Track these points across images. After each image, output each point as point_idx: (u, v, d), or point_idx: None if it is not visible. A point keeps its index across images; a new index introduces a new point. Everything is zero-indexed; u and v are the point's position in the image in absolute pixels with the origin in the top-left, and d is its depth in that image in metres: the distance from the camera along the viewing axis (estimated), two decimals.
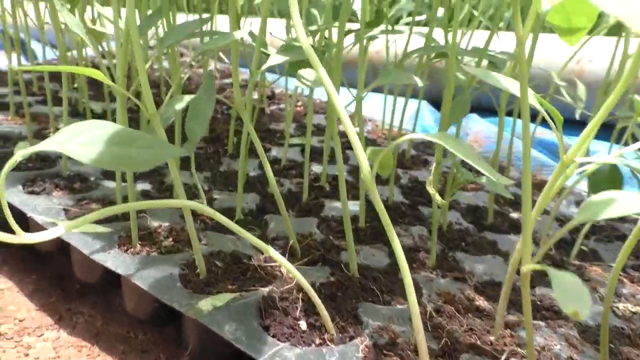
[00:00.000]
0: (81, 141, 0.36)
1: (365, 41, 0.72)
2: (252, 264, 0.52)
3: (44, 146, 0.35)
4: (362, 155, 0.38)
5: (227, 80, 1.41)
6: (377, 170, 0.40)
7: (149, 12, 0.77)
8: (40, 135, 0.88)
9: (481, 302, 0.53)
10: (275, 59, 0.54)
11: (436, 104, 1.44)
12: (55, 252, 0.65)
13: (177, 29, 0.53)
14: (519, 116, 1.02)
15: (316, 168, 0.88)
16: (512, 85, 0.35)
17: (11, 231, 0.36)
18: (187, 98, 0.50)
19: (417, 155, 1.00)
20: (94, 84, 1.25)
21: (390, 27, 0.83)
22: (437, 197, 0.55)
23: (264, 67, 0.54)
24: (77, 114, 1.04)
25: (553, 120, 0.41)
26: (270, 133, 1.03)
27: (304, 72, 0.44)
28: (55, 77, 1.31)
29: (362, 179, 0.67)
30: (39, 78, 1.26)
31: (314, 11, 0.74)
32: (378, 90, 1.50)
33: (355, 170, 0.88)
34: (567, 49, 1.38)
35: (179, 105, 0.50)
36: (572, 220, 0.31)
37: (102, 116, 1.03)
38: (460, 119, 0.58)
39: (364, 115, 1.24)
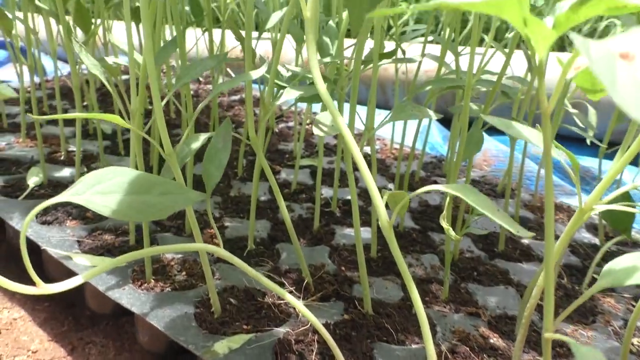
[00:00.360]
0: (99, 190, 0.37)
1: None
2: (266, 302, 0.52)
3: (63, 198, 0.35)
4: (380, 204, 0.38)
5: (234, 97, 1.42)
6: (395, 215, 0.40)
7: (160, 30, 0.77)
8: (52, 159, 0.88)
9: (495, 339, 0.53)
10: (290, 94, 0.54)
11: (443, 119, 1.44)
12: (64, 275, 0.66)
13: (193, 66, 0.53)
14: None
15: (325, 191, 0.88)
16: (534, 137, 0.35)
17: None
18: (203, 137, 0.50)
19: (427, 177, 1.00)
20: (104, 101, 1.26)
21: (400, 47, 0.83)
22: (451, 232, 0.55)
23: (279, 102, 0.54)
24: (87, 134, 1.04)
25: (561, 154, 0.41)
26: (279, 154, 1.04)
27: (321, 117, 0.44)
28: (65, 94, 1.31)
29: (374, 206, 0.67)
30: (49, 96, 1.27)
31: (326, 39, 0.74)
32: (386, 107, 1.51)
33: (364, 193, 0.88)
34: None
35: (195, 145, 0.50)
36: (591, 288, 0.31)
37: (112, 137, 1.04)
38: (474, 154, 0.58)
39: None
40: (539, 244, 0.79)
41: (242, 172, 0.91)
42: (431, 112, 0.57)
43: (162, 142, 0.47)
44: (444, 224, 0.55)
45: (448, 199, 0.61)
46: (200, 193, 0.43)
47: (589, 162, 1.15)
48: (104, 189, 0.37)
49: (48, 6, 0.85)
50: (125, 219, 0.35)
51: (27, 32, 0.76)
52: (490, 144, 1.20)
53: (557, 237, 0.83)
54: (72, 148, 0.95)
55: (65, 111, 1.18)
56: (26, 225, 0.34)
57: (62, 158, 0.89)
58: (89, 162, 0.89)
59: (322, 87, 0.39)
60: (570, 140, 1.30)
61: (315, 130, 0.42)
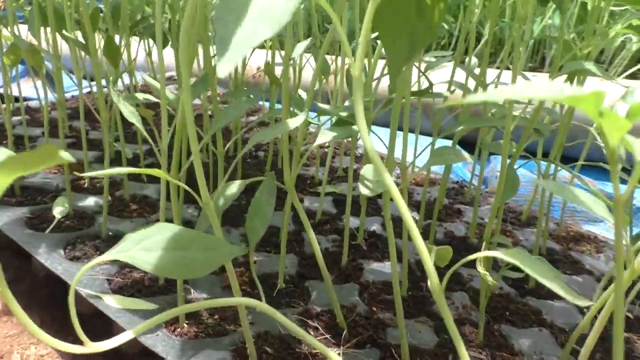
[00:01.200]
0: (144, 247, 0.37)
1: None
2: (303, 352, 0.51)
3: (110, 256, 0.35)
4: (431, 267, 0.37)
5: (252, 117, 1.42)
6: (446, 281, 0.39)
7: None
8: (76, 187, 0.88)
9: None
10: (326, 136, 0.53)
11: (463, 141, 1.43)
12: (96, 317, 0.65)
13: (231, 109, 0.53)
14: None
15: (350, 221, 0.87)
16: (598, 207, 0.34)
17: None
18: (238, 184, 0.50)
19: (450, 204, 0.99)
20: (125, 121, 1.26)
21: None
22: (488, 278, 0.54)
23: (314, 145, 0.54)
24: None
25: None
26: (300, 180, 1.03)
27: (365, 172, 0.43)
28: (85, 114, 1.32)
29: (416, 245, 0.66)
30: (69, 117, 1.28)
31: None
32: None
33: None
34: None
35: (231, 191, 0.49)
36: None
37: (134, 161, 1.04)
38: (511, 196, 0.57)
39: None
40: (568, 278, 0.77)
41: None
42: (467, 155, 0.56)
43: (200, 190, 0.46)
44: (481, 269, 0.54)
45: (484, 243, 0.60)
46: (242, 248, 0.42)
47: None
48: (149, 246, 0.37)
49: (74, 35, 0.85)
50: (169, 276, 0.35)
51: (57, 69, 0.76)
52: None
53: (587, 272, 0.82)
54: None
55: (86, 133, 1.18)
56: (75, 283, 0.33)
57: (85, 185, 0.89)
58: (114, 189, 0.89)
59: (371, 147, 0.38)
60: (592, 168, 1.28)
61: (362, 189, 0.42)
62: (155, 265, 0.35)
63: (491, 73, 1.01)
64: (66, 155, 0.29)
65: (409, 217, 0.37)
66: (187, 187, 0.46)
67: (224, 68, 0.25)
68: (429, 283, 0.38)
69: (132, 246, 0.37)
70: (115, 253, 0.36)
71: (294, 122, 0.47)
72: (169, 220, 0.78)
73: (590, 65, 0.55)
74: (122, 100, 0.47)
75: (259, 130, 1.32)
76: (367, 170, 0.43)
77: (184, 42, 0.39)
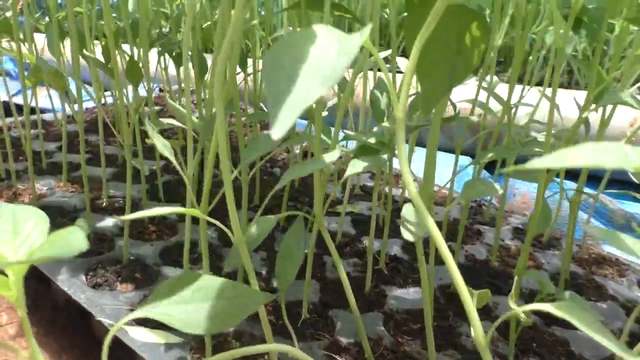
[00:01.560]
0: (174, 301, 0.36)
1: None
2: None
3: (141, 314, 0.34)
4: (476, 318, 0.36)
5: (266, 131, 1.41)
6: (492, 332, 0.38)
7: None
8: (94, 207, 0.88)
9: None
10: (356, 166, 0.53)
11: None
12: (118, 347, 0.64)
13: (261, 143, 0.52)
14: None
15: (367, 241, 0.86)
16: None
17: None
18: (271, 220, 0.49)
19: (470, 224, 0.97)
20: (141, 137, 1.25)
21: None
22: (522, 316, 0.53)
23: (345, 176, 0.53)
24: (123, 175, 1.03)
25: None
26: None
27: (406, 213, 0.42)
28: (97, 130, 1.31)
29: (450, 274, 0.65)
30: (84, 131, 1.27)
31: (377, 93, 0.73)
32: (420, 143, 1.49)
33: (409, 246, 0.86)
34: (619, 112, 1.36)
35: (266, 227, 0.48)
36: None
37: (152, 178, 1.03)
38: (545, 229, 0.56)
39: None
40: (592, 305, 0.76)
41: (284, 221, 0.90)
42: (498, 187, 0.55)
43: (232, 227, 0.45)
44: (513, 305, 0.53)
45: (516, 277, 0.59)
46: (270, 295, 0.41)
47: (633, 208, 1.12)
48: (177, 300, 0.36)
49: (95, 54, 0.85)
50: (201, 332, 0.33)
51: (78, 89, 0.76)
52: (530, 186, 1.17)
53: (610, 297, 0.80)
54: (111, 192, 0.94)
55: (98, 147, 1.17)
56: (110, 337, 0.32)
57: (104, 205, 0.88)
58: (132, 209, 0.88)
59: (413, 187, 0.37)
60: (612, 182, 1.27)
61: (405, 234, 0.41)
62: (187, 322, 0.34)
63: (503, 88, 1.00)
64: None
65: (451, 258, 0.36)
66: (220, 224, 0.45)
67: (278, 131, 0.24)
68: (472, 334, 0.37)
69: (161, 302, 0.36)
70: (146, 311, 0.35)
71: (329, 158, 0.47)
72: (193, 243, 0.77)
73: (627, 97, 0.54)
74: (156, 134, 0.47)
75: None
76: (408, 212, 0.42)
77: (219, 79, 0.38)
